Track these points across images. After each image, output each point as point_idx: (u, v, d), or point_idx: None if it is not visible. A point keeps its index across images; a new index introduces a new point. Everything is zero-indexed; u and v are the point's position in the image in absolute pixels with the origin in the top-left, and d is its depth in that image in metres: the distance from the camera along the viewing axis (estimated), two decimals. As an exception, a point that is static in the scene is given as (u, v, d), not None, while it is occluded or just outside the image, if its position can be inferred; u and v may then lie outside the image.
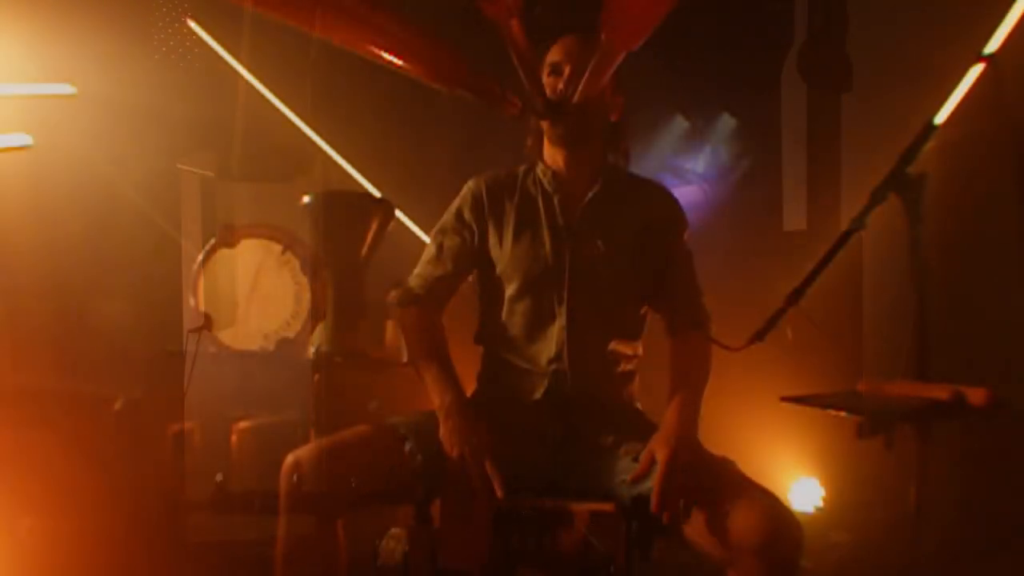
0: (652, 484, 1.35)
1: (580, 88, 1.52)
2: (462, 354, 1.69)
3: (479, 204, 1.69)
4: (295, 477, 1.40)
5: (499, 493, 1.38)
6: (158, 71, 3.09)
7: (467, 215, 1.69)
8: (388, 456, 1.45)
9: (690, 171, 4.06)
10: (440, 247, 1.70)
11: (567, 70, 1.59)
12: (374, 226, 2.28)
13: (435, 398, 1.52)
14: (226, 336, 2.00)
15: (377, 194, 3.42)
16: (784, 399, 1.42)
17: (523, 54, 1.45)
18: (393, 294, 1.83)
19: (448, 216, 1.73)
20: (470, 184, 1.73)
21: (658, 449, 1.38)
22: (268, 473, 1.53)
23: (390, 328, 2.22)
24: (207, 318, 1.98)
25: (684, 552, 1.34)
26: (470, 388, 1.70)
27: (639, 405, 1.69)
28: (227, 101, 3.41)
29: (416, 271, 1.72)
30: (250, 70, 3.58)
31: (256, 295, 2.01)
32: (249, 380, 2.67)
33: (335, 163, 3.73)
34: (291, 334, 2.00)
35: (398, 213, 2.49)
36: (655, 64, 2.45)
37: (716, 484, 1.31)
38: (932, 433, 1.32)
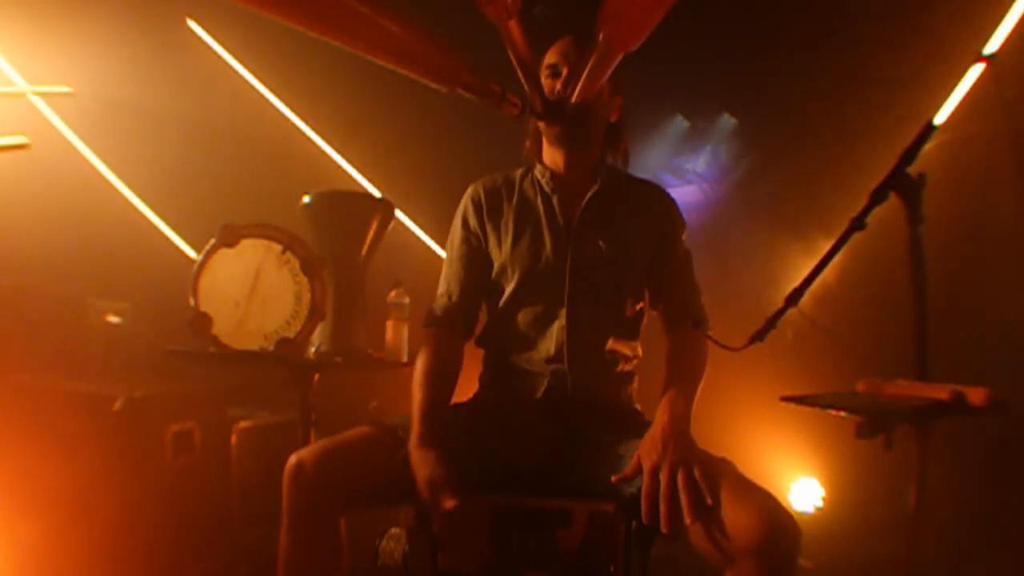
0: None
1: (578, 89, 1.51)
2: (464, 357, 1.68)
3: (479, 208, 1.70)
4: (296, 477, 1.40)
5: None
6: (158, 71, 3.10)
7: (471, 221, 1.70)
8: (388, 456, 1.44)
9: (690, 171, 4.07)
10: (452, 262, 1.71)
11: (565, 71, 1.59)
12: (374, 226, 2.28)
13: (412, 428, 1.47)
14: (226, 336, 1.99)
15: (377, 194, 3.43)
16: (784, 399, 1.41)
17: (522, 54, 1.45)
18: (393, 293, 1.82)
19: (454, 228, 1.73)
20: (468, 191, 1.74)
21: (644, 455, 1.37)
22: (269, 473, 1.52)
23: (390, 328, 2.22)
24: (207, 318, 1.98)
25: (684, 552, 1.34)
26: (472, 390, 1.70)
27: (638, 406, 1.69)
28: (227, 101, 3.42)
29: (438, 291, 1.71)
30: (250, 70, 3.59)
31: (256, 295, 2.01)
32: (249, 380, 2.67)
33: (337, 163, 3.75)
34: (291, 334, 2.00)
35: (398, 213, 2.48)
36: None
37: (713, 484, 1.30)
38: (932, 433, 1.31)
